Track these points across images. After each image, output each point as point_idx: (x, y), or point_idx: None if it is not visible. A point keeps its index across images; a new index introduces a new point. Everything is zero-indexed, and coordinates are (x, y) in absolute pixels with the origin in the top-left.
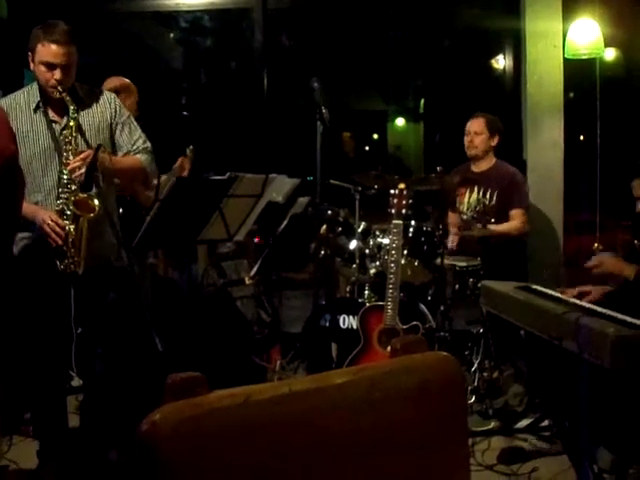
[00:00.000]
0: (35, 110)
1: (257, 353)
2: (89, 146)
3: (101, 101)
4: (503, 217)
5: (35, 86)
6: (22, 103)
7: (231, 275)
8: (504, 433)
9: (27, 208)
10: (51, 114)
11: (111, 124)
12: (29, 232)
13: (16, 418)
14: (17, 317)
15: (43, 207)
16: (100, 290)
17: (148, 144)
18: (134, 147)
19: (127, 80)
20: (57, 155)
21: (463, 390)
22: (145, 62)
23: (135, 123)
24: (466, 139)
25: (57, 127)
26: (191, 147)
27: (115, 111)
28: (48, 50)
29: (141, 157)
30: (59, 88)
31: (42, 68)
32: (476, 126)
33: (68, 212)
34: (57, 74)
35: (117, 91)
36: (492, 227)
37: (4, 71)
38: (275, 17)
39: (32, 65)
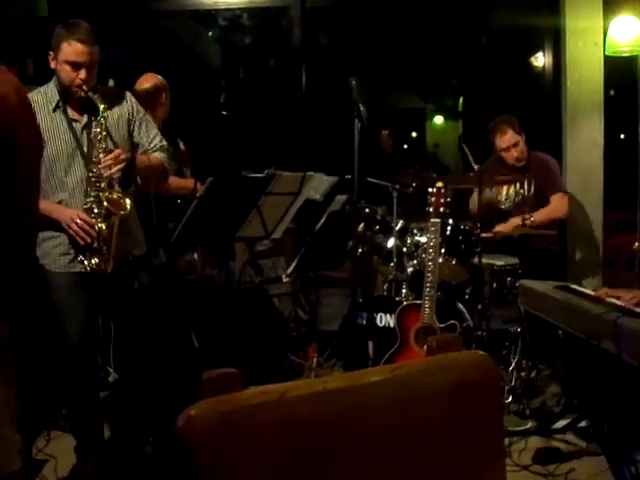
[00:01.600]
0: (54, 109)
1: (294, 351)
2: (114, 144)
3: (119, 100)
4: (541, 204)
5: (52, 86)
6: (40, 102)
7: (268, 273)
8: (541, 433)
9: (51, 207)
10: (71, 113)
11: (129, 121)
12: (55, 231)
13: (54, 413)
14: (46, 315)
15: (67, 206)
16: (132, 286)
17: (164, 142)
18: (152, 145)
19: (159, 77)
20: (79, 153)
21: (499, 389)
22: (184, 60)
23: (151, 121)
24: (507, 155)
25: (77, 126)
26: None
27: (133, 109)
28: (74, 49)
29: (159, 155)
30: (84, 87)
31: (67, 67)
32: (509, 140)
33: (96, 210)
34: (82, 73)
35: (159, 89)
36: (534, 217)
37: (45, 70)
38: (313, 15)
39: (53, 64)
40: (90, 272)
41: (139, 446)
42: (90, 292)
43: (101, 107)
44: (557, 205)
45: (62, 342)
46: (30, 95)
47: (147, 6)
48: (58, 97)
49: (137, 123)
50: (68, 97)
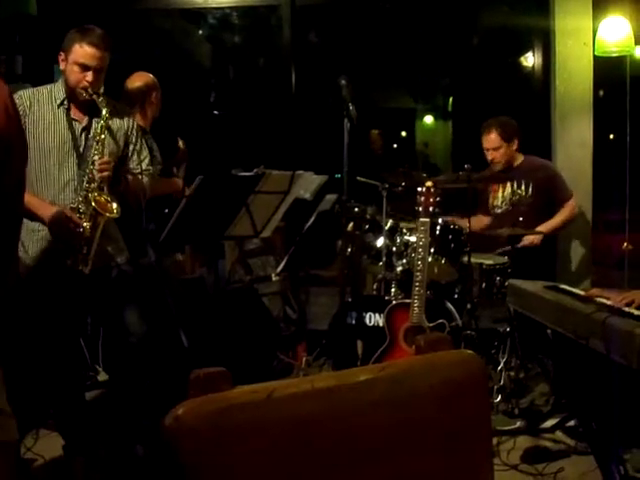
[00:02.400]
0: (59, 106)
1: (283, 350)
2: (110, 149)
3: (122, 114)
4: (538, 209)
5: (60, 85)
6: (45, 96)
7: (258, 272)
8: (530, 433)
9: (37, 203)
10: (73, 113)
11: (126, 136)
12: (38, 225)
13: (42, 411)
14: (27, 313)
15: (55, 202)
16: (118, 287)
17: (151, 167)
18: (141, 166)
19: (151, 76)
20: (75, 152)
21: (487, 388)
22: (173, 58)
23: (144, 143)
24: (487, 155)
25: (77, 126)
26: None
27: (132, 126)
28: (85, 52)
29: (145, 179)
30: (89, 90)
31: (76, 68)
32: (491, 143)
33: (82, 209)
34: (89, 76)
35: (150, 88)
36: (551, 222)
37: (34, 67)
38: (303, 14)
39: (63, 65)
40: (68, 270)
41: (129, 445)
42: (69, 290)
43: (104, 110)
44: (572, 209)
45: (38, 337)
46: (36, 89)
47: (137, 5)
48: (64, 96)
49: (133, 141)
50: (73, 98)
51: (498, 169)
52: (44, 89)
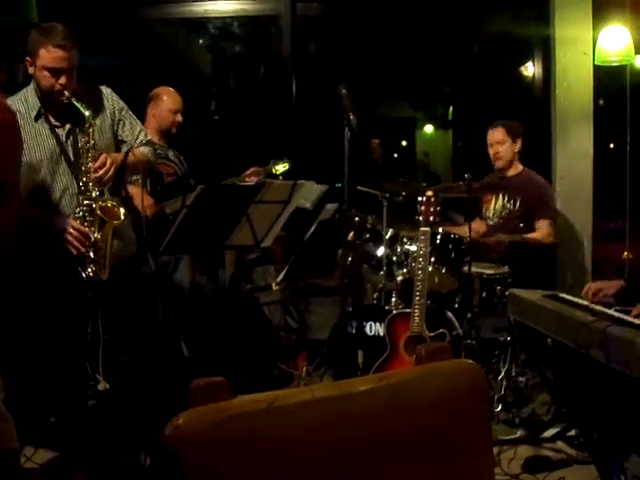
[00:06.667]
0: (36, 118)
1: (283, 359)
2: (102, 149)
3: (101, 99)
4: (528, 224)
5: (31, 92)
6: (22, 111)
7: (258, 281)
8: (531, 442)
9: (42, 216)
10: (52, 120)
11: (113, 122)
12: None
13: (42, 420)
14: (33, 320)
15: (56, 212)
16: (123, 293)
17: (149, 136)
18: (137, 141)
19: (161, 88)
20: (64, 160)
21: (487, 398)
22: (175, 67)
23: (133, 115)
24: (490, 151)
25: (61, 132)
26: (285, 164)
27: (115, 107)
28: (54, 55)
29: (145, 150)
30: (66, 94)
31: (46, 73)
32: (497, 136)
33: (88, 218)
34: (62, 79)
35: (147, 100)
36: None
37: None
38: (304, 23)
39: (32, 69)
40: (86, 281)
41: (131, 455)
42: (76, 298)
43: (87, 114)
44: (540, 233)
45: (41, 345)
46: (11, 103)
47: (138, 14)
48: (39, 104)
49: (121, 123)
50: (49, 103)
51: (499, 166)
52: (19, 102)
